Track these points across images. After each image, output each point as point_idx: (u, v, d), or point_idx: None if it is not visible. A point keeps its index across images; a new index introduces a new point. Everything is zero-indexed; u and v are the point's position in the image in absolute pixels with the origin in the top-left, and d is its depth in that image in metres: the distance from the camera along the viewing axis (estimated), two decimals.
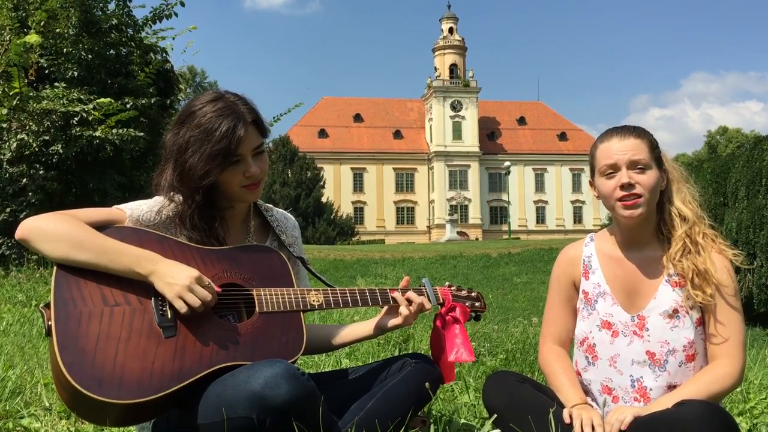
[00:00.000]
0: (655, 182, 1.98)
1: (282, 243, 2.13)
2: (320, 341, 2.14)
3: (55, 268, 1.77)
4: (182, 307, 1.76)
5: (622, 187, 1.97)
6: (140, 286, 1.79)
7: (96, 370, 1.64)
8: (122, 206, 1.94)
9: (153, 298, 1.79)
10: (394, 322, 2.07)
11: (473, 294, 2.26)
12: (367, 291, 2.07)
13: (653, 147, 2.01)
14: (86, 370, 1.64)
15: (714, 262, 1.98)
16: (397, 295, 2.08)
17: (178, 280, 1.76)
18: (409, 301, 2.06)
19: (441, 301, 2.16)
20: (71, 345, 1.66)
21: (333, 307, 2.01)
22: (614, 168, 1.99)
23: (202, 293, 1.77)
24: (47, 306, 1.74)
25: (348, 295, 2.03)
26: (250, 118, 1.94)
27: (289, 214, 2.22)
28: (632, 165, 1.97)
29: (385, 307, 2.10)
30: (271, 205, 2.19)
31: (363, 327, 2.14)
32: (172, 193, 1.95)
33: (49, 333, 1.70)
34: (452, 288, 2.22)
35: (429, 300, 2.11)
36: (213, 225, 1.97)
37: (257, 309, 1.88)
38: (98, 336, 1.69)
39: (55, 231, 1.77)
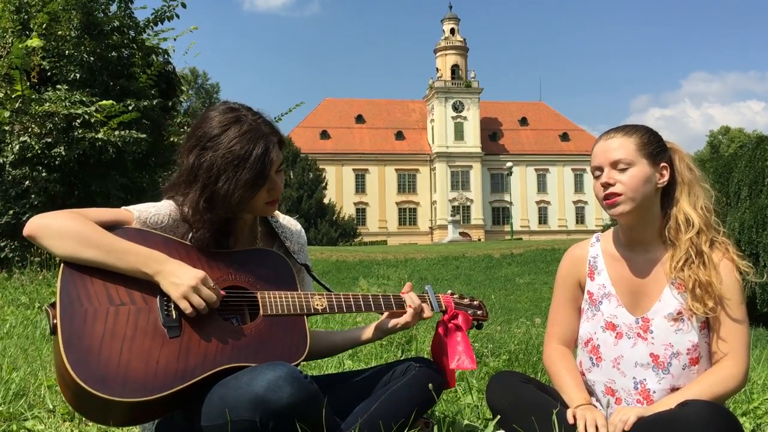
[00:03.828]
0: (638, 180, 1.94)
1: (287, 250, 2.13)
2: (322, 346, 2.15)
3: (61, 265, 1.76)
4: (187, 308, 1.76)
5: (603, 186, 1.97)
6: (146, 286, 1.79)
7: (101, 368, 1.64)
8: (130, 208, 1.93)
9: (158, 298, 1.79)
10: (394, 324, 2.07)
11: (475, 302, 2.26)
12: (370, 296, 2.08)
13: (644, 144, 1.97)
14: (91, 368, 1.64)
15: (719, 273, 1.94)
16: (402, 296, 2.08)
17: (183, 280, 1.76)
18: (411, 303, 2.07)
19: (443, 308, 2.16)
20: (76, 343, 1.66)
21: (336, 311, 2.02)
22: (600, 169, 1.99)
23: (207, 294, 1.78)
24: (53, 305, 1.73)
25: (351, 300, 2.04)
26: (276, 138, 1.94)
27: (295, 221, 2.21)
28: (614, 165, 1.96)
29: (387, 312, 2.10)
30: (277, 212, 2.18)
31: (363, 331, 2.15)
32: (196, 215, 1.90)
33: (54, 331, 1.69)
34: (455, 296, 2.22)
35: (431, 307, 2.11)
36: (228, 236, 1.97)
37: (261, 311, 1.88)
38: (103, 334, 1.69)
39: (63, 228, 1.77)
